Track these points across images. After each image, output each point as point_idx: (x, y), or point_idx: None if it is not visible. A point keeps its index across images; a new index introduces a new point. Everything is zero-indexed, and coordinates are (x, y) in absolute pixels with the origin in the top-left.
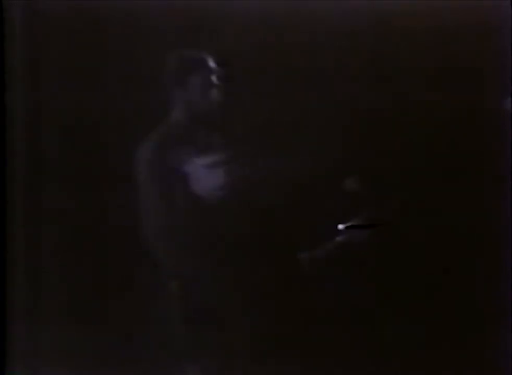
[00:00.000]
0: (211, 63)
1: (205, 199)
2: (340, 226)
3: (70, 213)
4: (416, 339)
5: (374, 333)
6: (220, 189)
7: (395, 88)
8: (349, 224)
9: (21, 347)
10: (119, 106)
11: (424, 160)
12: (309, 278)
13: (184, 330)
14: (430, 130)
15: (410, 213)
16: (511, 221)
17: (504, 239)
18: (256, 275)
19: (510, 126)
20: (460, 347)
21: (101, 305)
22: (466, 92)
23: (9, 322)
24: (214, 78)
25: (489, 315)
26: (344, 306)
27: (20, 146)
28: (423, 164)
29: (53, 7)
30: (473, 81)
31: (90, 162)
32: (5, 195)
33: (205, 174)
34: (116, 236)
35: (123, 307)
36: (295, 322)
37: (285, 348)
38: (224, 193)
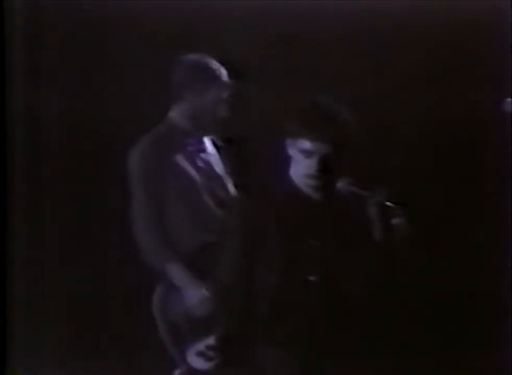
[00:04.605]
0: (224, 77)
1: (294, 187)
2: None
3: (70, 212)
4: (416, 340)
5: (371, 332)
6: (311, 178)
7: (395, 88)
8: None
9: (21, 347)
10: (120, 106)
11: (423, 160)
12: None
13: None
14: (430, 130)
15: (409, 213)
16: (511, 221)
17: (505, 240)
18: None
19: (510, 126)
20: (460, 347)
21: (101, 306)
22: (467, 93)
23: (9, 322)
24: (225, 94)
25: (489, 315)
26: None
27: (20, 145)
28: (422, 164)
29: (53, 7)
30: (473, 81)
31: (91, 162)
32: (6, 195)
33: (302, 159)
34: (117, 237)
35: (123, 307)
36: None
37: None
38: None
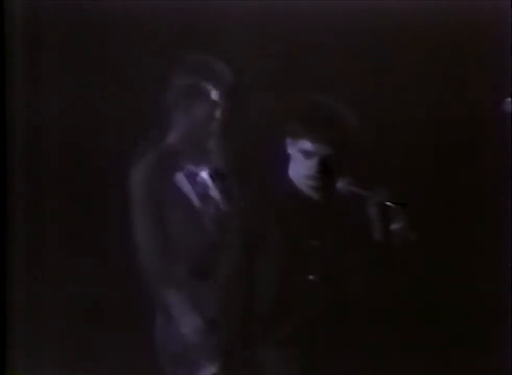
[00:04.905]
0: (215, 96)
1: (296, 188)
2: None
3: (70, 212)
4: (416, 340)
5: (371, 331)
6: (311, 178)
7: (394, 88)
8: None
9: (21, 347)
10: (120, 106)
11: (423, 160)
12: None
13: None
14: (430, 130)
15: (409, 213)
16: (511, 220)
17: (505, 240)
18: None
19: (510, 126)
20: (460, 347)
21: (101, 306)
22: (467, 93)
23: (9, 322)
24: (217, 113)
25: (489, 316)
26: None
27: (20, 145)
28: (422, 164)
29: (53, 7)
30: (473, 81)
31: (91, 162)
32: (6, 195)
33: (302, 159)
34: (117, 237)
35: (123, 308)
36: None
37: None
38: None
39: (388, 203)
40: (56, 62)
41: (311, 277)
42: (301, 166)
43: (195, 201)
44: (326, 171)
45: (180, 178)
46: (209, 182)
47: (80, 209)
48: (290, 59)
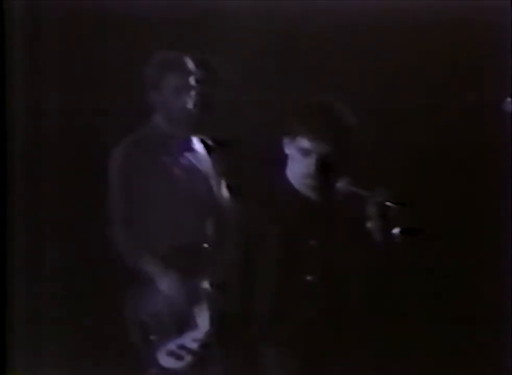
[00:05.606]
0: (190, 65)
1: (292, 188)
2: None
3: (70, 212)
4: (415, 340)
5: (371, 332)
6: (309, 177)
7: (395, 88)
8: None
9: (21, 347)
10: (120, 106)
11: (423, 160)
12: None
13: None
14: (430, 130)
15: (409, 213)
16: (511, 220)
17: (505, 239)
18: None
19: (510, 126)
20: (460, 347)
21: (101, 306)
22: (466, 92)
23: (9, 322)
24: (191, 80)
25: (489, 316)
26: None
27: (20, 145)
28: (422, 163)
29: (53, 7)
30: (473, 81)
31: (91, 162)
32: (6, 195)
33: (300, 158)
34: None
35: (122, 308)
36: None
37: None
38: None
39: (388, 203)
40: (56, 62)
41: (309, 277)
42: (299, 165)
43: (182, 180)
44: (325, 168)
45: (168, 158)
46: (201, 150)
47: (79, 209)
48: (290, 59)
